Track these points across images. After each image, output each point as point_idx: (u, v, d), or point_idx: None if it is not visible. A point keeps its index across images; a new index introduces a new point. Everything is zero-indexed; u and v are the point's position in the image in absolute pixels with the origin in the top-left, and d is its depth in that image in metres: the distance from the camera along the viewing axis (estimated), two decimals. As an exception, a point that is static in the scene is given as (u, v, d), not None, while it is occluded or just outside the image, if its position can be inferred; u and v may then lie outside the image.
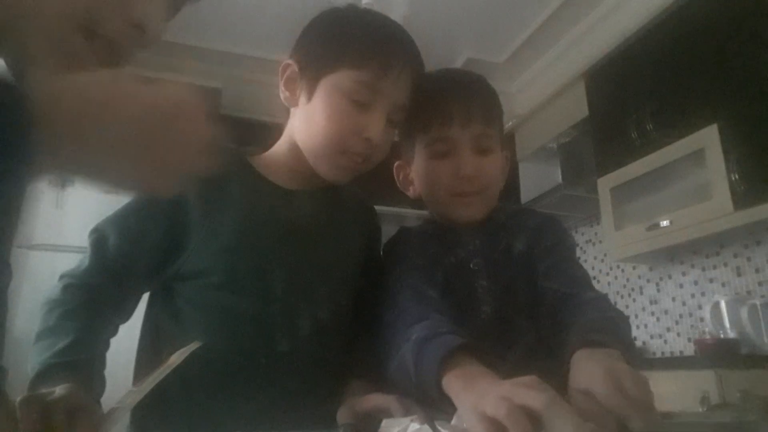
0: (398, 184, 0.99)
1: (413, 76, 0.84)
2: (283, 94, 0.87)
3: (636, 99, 2.68)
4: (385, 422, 0.50)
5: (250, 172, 0.86)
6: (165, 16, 0.52)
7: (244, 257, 0.79)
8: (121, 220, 0.81)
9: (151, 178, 0.44)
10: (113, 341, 0.81)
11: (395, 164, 0.98)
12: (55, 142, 0.37)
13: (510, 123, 3.63)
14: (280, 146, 0.90)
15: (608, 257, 3.32)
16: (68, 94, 0.38)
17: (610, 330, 0.69)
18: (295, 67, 0.85)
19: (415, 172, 0.94)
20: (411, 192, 0.97)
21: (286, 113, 0.89)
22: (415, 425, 0.49)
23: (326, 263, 0.86)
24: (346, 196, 0.95)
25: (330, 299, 0.85)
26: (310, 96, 0.82)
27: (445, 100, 0.87)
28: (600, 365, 0.56)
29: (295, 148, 0.86)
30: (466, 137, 0.86)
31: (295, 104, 0.86)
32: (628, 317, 0.79)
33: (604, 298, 0.83)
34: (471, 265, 0.89)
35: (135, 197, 0.81)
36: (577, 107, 3.14)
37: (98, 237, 0.80)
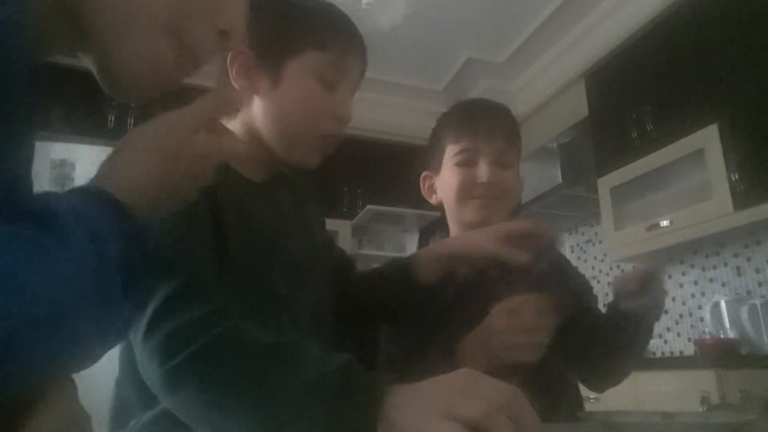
0: (423, 193, 1.12)
1: (365, 50, 0.86)
2: (238, 82, 0.81)
3: (636, 99, 2.68)
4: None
5: (226, 169, 0.79)
6: (246, 21, 0.52)
7: (242, 257, 0.76)
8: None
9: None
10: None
11: (422, 174, 1.12)
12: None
13: (510, 123, 3.63)
14: None
15: (608, 257, 3.33)
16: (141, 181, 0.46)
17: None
18: (249, 53, 0.80)
19: (439, 181, 1.08)
20: (434, 200, 1.10)
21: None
22: None
23: (312, 252, 0.86)
24: (296, 184, 0.94)
25: (321, 287, 0.85)
26: (275, 81, 0.79)
27: (475, 117, 1.03)
28: None
29: (255, 138, 0.82)
30: (489, 149, 1.01)
31: (255, 91, 0.81)
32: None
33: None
34: (488, 274, 0.96)
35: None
36: (577, 107, 3.14)
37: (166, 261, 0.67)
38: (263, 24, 0.80)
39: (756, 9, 2.18)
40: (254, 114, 0.82)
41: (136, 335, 0.61)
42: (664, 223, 2.51)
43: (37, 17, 0.40)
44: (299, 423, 0.52)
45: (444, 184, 1.06)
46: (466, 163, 1.01)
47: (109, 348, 0.40)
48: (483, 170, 1.00)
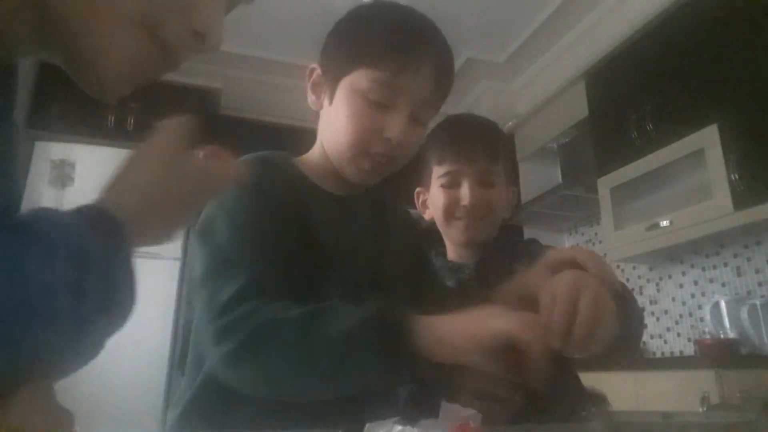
0: (417, 208, 1.15)
1: (437, 70, 0.81)
2: (309, 98, 0.87)
3: (636, 99, 2.68)
4: (368, 425, 0.50)
5: (305, 180, 0.85)
6: (223, 24, 0.52)
7: (297, 266, 0.77)
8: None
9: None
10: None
11: (416, 190, 1.15)
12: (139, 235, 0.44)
13: (510, 123, 3.63)
14: (314, 151, 0.90)
15: (608, 257, 3.32)
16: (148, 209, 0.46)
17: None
18: (319, 71, 0.85)
19: (429, 198, 1.11)
20: (426, 215, 1.13)
21: (317, 117, 0.89)
22: (399, 426, 0.49)
23: (381, 268, 0.86)
24: (383, 198, 0.96)
25: (389, 299, 0.86)
26: (331, 98, 0.82)
27: (457, 140, 1.06)
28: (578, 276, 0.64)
29: (325, 153, 0.86)
30: (471, 172, 1.03)
31: (320, 107, 0.86)
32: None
33: None
34: (468, 287, 1.01)
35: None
36: (577, 107, 3.14)
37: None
38: (333, 41, 0.84)
39: (756, 9, 2.18)
40: (321, 128, 0.87)
41: (201, 326, 0.72)
42: (664, 223, 2.51)
43: None
44: (353, 363, 0.62)
45: (432, 202, 1.10)
46: (450, 184, 1.05)
47: (86, 362, 0.40)
48: (465, 192, 1.03)
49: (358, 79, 0.78)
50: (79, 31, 0.43)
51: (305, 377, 0.65)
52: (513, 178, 1.14)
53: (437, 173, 1.07)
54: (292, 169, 0.86)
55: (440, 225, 1.10)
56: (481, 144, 1.05)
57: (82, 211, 0.41)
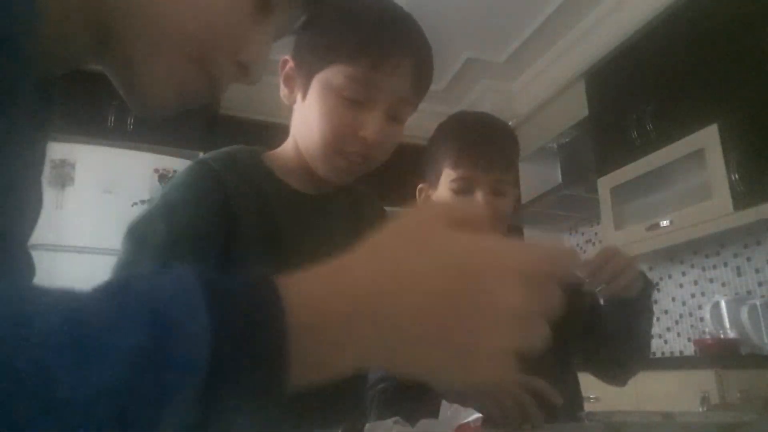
0: (418, 204, 1.09)
1: (416, 67, 0.77)
2: (282, 91, 0.84)
3: (636, 99, 2.68)
4: (369, 425, 0.50)
5: (270, 177, 0.82)
6: (266, 59, 0.51)
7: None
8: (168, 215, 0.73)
9: (470, 365, 0.32)
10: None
11: (418, 186, 1.11)
12: (319, 347, 0.29)
13: (510, 123, 3.63)
14: (286, 147, 0.86)
15: (608, 257, 3.32)
16: (336, 293, 0.30)
17: None
18: (291, 64, 0.82)
19: (435, 197, 1.07)
20: None
21: (290, 112, 0.86)
22: (398, 427, 0.48)
23: None
24: (359, 196, 0.93)
25: None
26: (304, 94, 0.79)
27: (475, 146, 1.02)
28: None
29: (298, 149, 0.83)
30: (485, 180, 1.00)
31: (293, 102, 0.83)
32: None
33: None
34: None
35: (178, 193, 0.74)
36: (577, 107, 3.14)
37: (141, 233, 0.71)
38: (307, 34, 0.79)
39: (755, 9, 2.18)
40: (294, 124, 0.84)
41: None
42: (664, 223, 2.51)
43: (54, 26, 0.39)
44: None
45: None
46: (463, 190, 1.02)
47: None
48: (479, 202, 1.00)
49: (332, 75, 0.75)
50: (137, 57, 0.43)
51: None
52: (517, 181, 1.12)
53: (449, 176, 1.04)
54: (258, 165, 0.82)
55: None
56: (498, 152, 1.03)
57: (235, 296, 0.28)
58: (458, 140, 1.04)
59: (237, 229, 0.74)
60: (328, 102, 0.76)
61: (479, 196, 1.00)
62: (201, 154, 0.94)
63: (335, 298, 0.31)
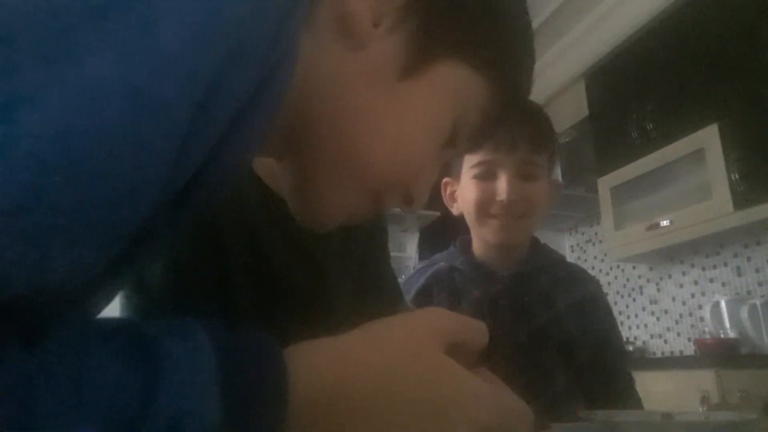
0: (444, 200, 1.01)
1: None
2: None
3: (636, 99, 2.68)
4: None
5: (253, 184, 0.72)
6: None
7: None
8: None
9: None
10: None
11: (443, 180, 1.01)
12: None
13: (510, 123, 3.63)
14: None
15: (608, 257, 3.32)
16: (347, 386, 0.31)
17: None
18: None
19: (459, 190, 0.97)
20: (455, 209, 0.99)
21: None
22: None
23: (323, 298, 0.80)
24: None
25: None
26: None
27: None
28: None
29: None
30: (510, 163, 0.89)
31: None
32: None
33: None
34: (497, 305, 0.91)
35: None
36: (577, 107, 3.14)
37: None
38: None
39: (756, 9, 2.18)
40: None
41: None
42: (664, 222, 2.51)
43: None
44: None
45: (463, 196, 0.96)
46: (485, 176, 0.90)
47: None
48: (502, 186, 0.88)
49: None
50: (318, 178, 0.42)
51: None
52: (554, 168, 0.97)
53: (470, 162, 0.92)
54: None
55: (471, 222, 0.96)
56: (525, 129, 0.89)
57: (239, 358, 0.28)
58: None
59: None
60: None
61: (502, 181, 0.88)
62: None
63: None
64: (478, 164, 0.91)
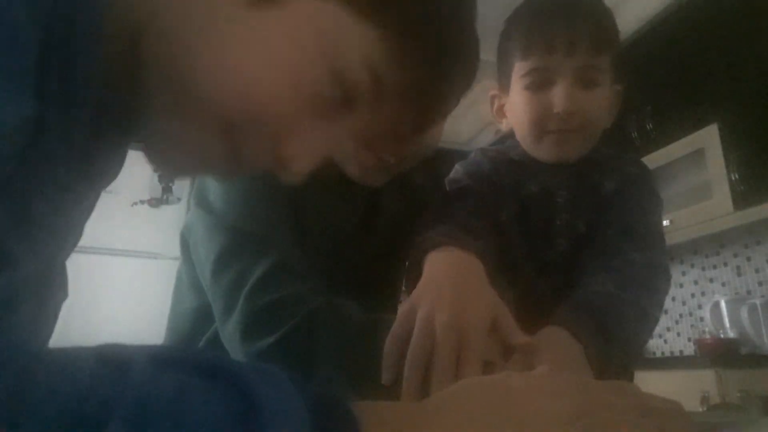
0: (492, 115, 0.92)
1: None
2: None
3: (636, 99, 2.68)
4: None
5: None
6: (316, 162, 0.43)
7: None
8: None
9: None
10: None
11: (490, 93, 0.91)
12: None
13: (510, 123, 3.63)
14: None
15: (608, 257, 3.32)
16: None
17: (603, 315, 0.64)
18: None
19: (509, 103, 0.86)
20: (504, 125, 0.89)
21: None
22: None
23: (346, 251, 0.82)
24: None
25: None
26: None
27: (548, 25, 0.77)
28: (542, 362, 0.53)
29: None
30: (568, 68, 0.76)
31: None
32: (658, 302, 0.76)
33: (648, 266, 0.77)
34: (556, 198, 0.84)
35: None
36: (577, 107, 3.14)
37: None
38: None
39: (756, 9, 2.18)
40: None
41: (218, 310, 0.63)
42: (664, 222, 2.50)
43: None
44: None
45: (513, 110, 0.85)
46: (539, 85, 0.78)
47: None
48: (559, 96, 0.76)
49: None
50: (164, 119, 0.39)
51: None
52: (617, 72, 0.83)
53: (521, 70, 0.80)
54: None
55: (523, 139, 0.85)
56: (582, 29, 0.76)
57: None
58: (529, 20, 0.80)
59: None
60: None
61: (560, 90, 0.76)
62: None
63: None
64: (530, 72, 0.79)
